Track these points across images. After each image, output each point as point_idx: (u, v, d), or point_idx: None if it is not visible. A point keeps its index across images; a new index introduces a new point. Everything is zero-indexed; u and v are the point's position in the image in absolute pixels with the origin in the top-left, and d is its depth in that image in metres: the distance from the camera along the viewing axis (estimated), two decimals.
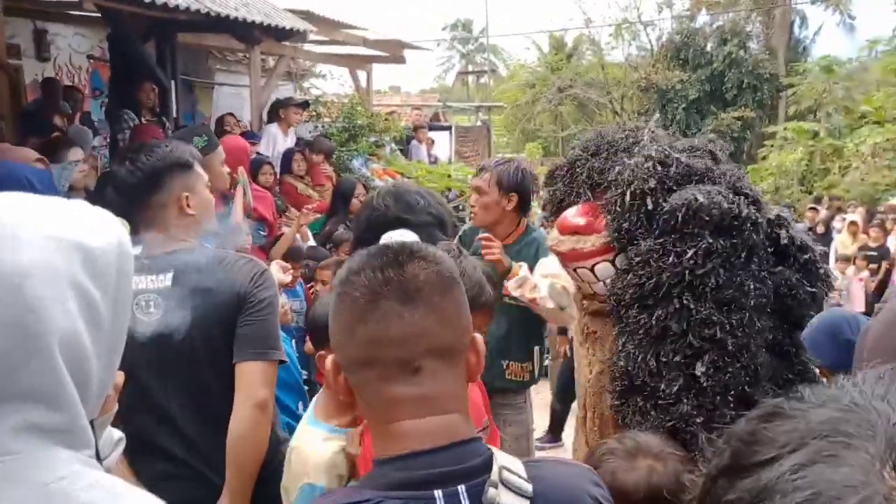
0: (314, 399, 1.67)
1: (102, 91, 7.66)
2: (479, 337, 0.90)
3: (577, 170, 1.83)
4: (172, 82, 6.30)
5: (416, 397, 0.83)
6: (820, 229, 10.36)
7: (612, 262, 1.71)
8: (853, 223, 9.53)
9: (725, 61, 21.41)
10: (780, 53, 21.82)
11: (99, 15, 6.12)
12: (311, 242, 4.83)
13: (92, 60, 8.07)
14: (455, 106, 18.65)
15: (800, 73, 19.96)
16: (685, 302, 1.52)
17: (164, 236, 1.74)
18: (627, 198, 1.61)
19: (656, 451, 1.36)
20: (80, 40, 8.03)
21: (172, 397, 1.72)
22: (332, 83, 11.07)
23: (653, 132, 1.84)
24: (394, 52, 9.20)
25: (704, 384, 1.51)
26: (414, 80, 42.38)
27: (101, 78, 7.86)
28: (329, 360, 0.88)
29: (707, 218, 1.52)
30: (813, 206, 11.83)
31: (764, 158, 18.04)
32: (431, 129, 10.30)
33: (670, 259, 1.53)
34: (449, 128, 12.19)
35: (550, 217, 2.00)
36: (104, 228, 0.81)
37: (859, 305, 8.49)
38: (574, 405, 2.19)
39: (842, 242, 9.56)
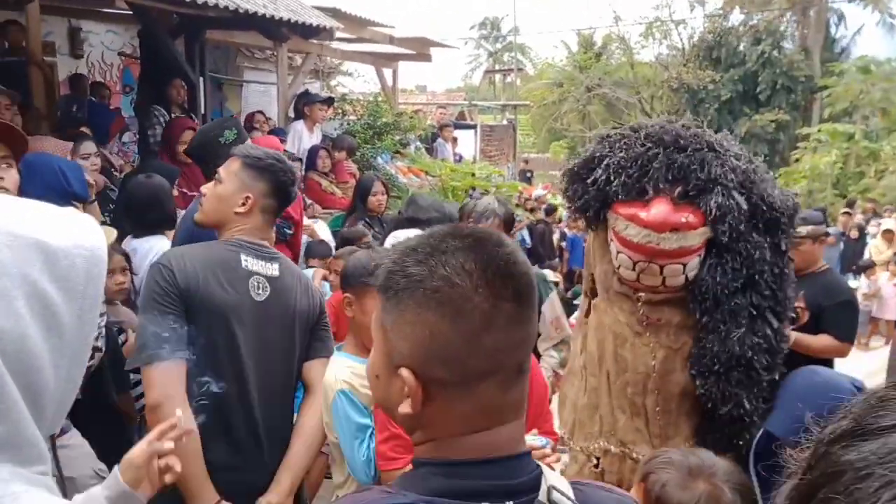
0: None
1: (133, 87, 7.79)
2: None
3: (651, 164, 1.84)
4: (201, 79, 6.37)
5: (519, 400, 0.78)
6: (853, 234, 10.12)
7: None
8: (888, 231, 9.29)
9: (759, 61, 21.01)
10: (816, 53, 21.34)
11: (130, 12, 6.22)
12: (326, 238, 4.83)
13: (123, 57, 8.21)
14: (481, 105, 18.61)
15: (836, 73, 19.49)
16: (773, 287, 1.86)
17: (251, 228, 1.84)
18: (740, 199, 1.81)
19: (719, 477, 1.27)
20: (112, 37, 8.18)
21: (257, 381, 1.79)
22: (358, 81, 11.11)
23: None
24: (420, 50, 9.20)
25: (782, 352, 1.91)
26: (440, 79, 42.44)
27: (131, 74, 7.99)
28: (406, 374, 0.75)
29: (794, 217, 1.91)
30: (846, 210, 11.56)
31: (797, 161, 17.68)
32: (456, 127, 10.29)
33: (767, 252, 1.84)
34: (474, 126, 12.17)
35: (592, 210, 1.97)
36: (76, 232, 0.76)
37: (892, 313, 8.27)
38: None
39: (876, 248, 9.32)
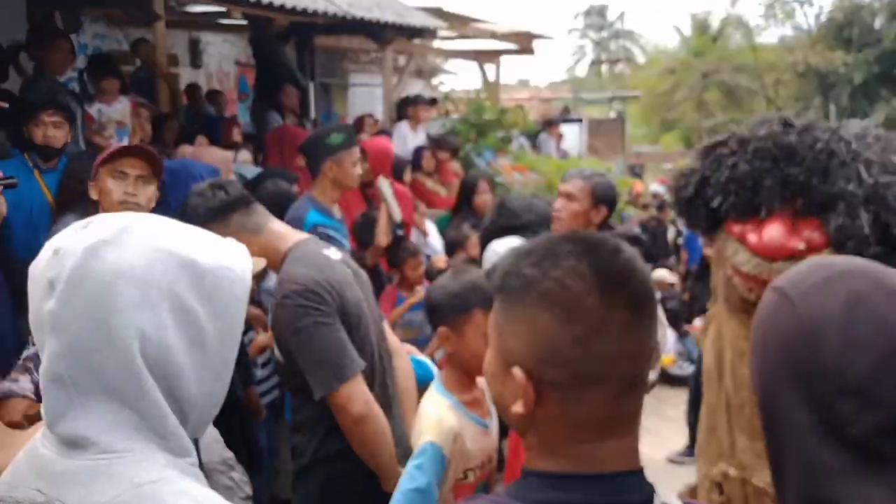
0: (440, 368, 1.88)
1: (248, 94, 8.16)
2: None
3: (763, 181, 1.63)
4: (311, 84, 6.56)
5: (631, 414, 0.79)
6: None
7: None
8: None
9: None
10: None
11: (245, 23, 6.51)
12: (434, 238, 4.80)
13: (239, 66, 8.64)
14: (587, 97, 18.10)
15: None
16: None
17: None
18: (865, 219, 1.53)
19: None
20: (228, 48, 8.63)
21: (381, 359, 1.94)
22: (460, 78, 11.13)
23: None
24: (523, 44, 9.06)
25: None
26: (544, 72, 41.94)
27: (246, 82, 8.39)
28: (518, 372, 0.76)
29: None
30: None
31: None
32: (562, 122, 10.03)
33: None
34: (580, 121, 11.82)
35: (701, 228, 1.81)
36: (224, 256, 0.83)
37: None
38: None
39: None
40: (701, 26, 24.50)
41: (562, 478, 0.76)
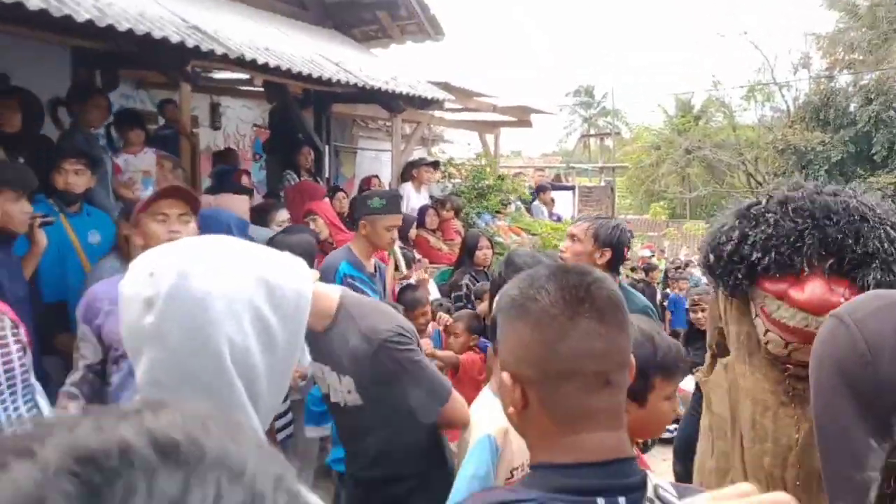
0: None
1: (262, 155, 8.64)
2: (632, 357, 0.95)
3: (804, 239, 1.69)
4: (326, 147, 7.02)
5: (606, 409, 0.88)
6: None
7: None
8: None
9: (871, 122, 20.12)
10: None
11: (262, 89, 7.02)
12: (434, 293, 5.05)
13: (255, 128, 9.15)
14: (578, 167, 18.85)
15: None
16: None
17: None
18: None
19: None
20: (245, 112, 9.15)
21: None
22: (460, 147, 11.73)
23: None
24: (521, 116, 9.64)
25: None
26: (535, 143, 43.25)
27: (261, 144, 8.88)
28: (505, 376, 0.91)
29: None
30: None
31: None
32: (555, 188, 10.55)
33: None
34: (572, 188, 12.40)
35: (729, 284, 1.81)
36: (291, 273, 0.94)
37: None
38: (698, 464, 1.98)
39: None
40: (684, 106, 25.69)
41: (567, 467, 0.85)
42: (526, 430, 0.93)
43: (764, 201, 1.80)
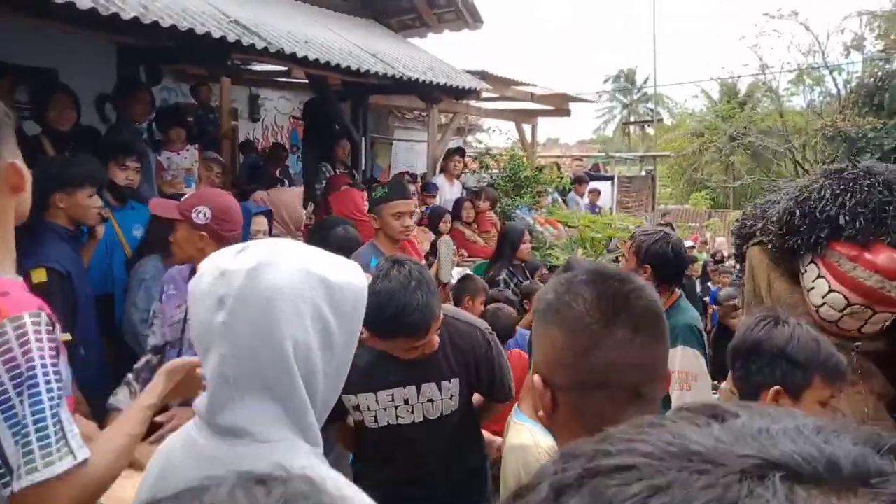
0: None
1: (299, 147, 8.72)
2: (668, 370, 0.94)
3: (889, 211, 1.81)
4: (363, 139, 7.03)
5: None
6: None
7: None
8: None
9: None
10: None
11: (300, 80, 7.05)
12: None
13: (292, 120, 9.23)
14: (617, 156, 18.52)
15: None
16: None
17: None
18: None
19: None
20: (284, 103, 9.24)
21: None
22: (495, 137, 11.62)
23: None
24: (559, 105, 9.50)
25: None
26: (572, 132, 42.67)
27: (298, 135, 8.95)
28: (536, 379, 0.91)
29: None
30: None
31: None
32: (594, 178, 10.38)
33: None
34: (612, 178, 12.19)
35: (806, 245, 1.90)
36: (349, 274, 0.98)
37: None
38: None
39: None
40: (729, 91, 24.97)
41: None
42: (557, 433, 0.93)
43: (855, 168, 1.89)
